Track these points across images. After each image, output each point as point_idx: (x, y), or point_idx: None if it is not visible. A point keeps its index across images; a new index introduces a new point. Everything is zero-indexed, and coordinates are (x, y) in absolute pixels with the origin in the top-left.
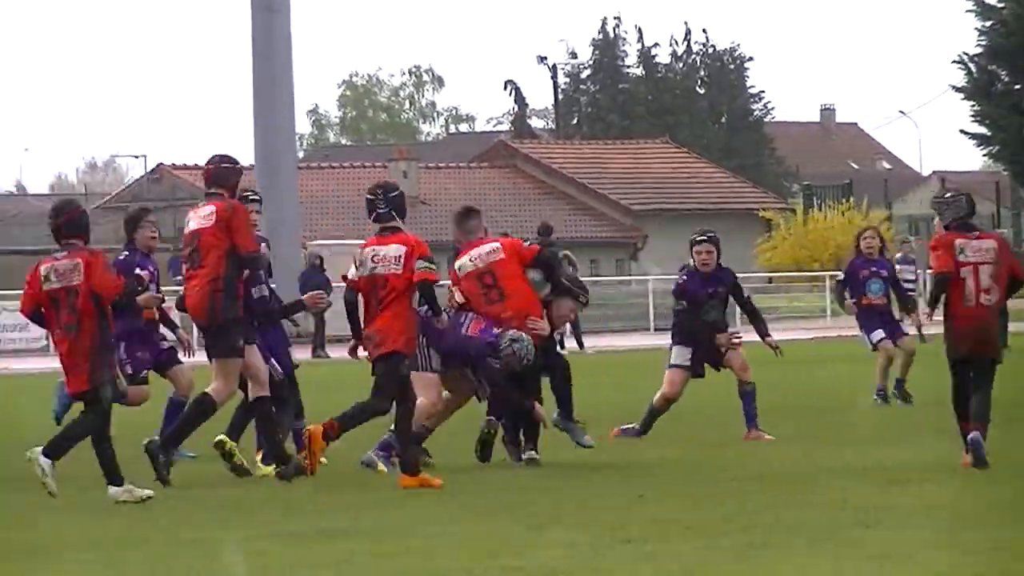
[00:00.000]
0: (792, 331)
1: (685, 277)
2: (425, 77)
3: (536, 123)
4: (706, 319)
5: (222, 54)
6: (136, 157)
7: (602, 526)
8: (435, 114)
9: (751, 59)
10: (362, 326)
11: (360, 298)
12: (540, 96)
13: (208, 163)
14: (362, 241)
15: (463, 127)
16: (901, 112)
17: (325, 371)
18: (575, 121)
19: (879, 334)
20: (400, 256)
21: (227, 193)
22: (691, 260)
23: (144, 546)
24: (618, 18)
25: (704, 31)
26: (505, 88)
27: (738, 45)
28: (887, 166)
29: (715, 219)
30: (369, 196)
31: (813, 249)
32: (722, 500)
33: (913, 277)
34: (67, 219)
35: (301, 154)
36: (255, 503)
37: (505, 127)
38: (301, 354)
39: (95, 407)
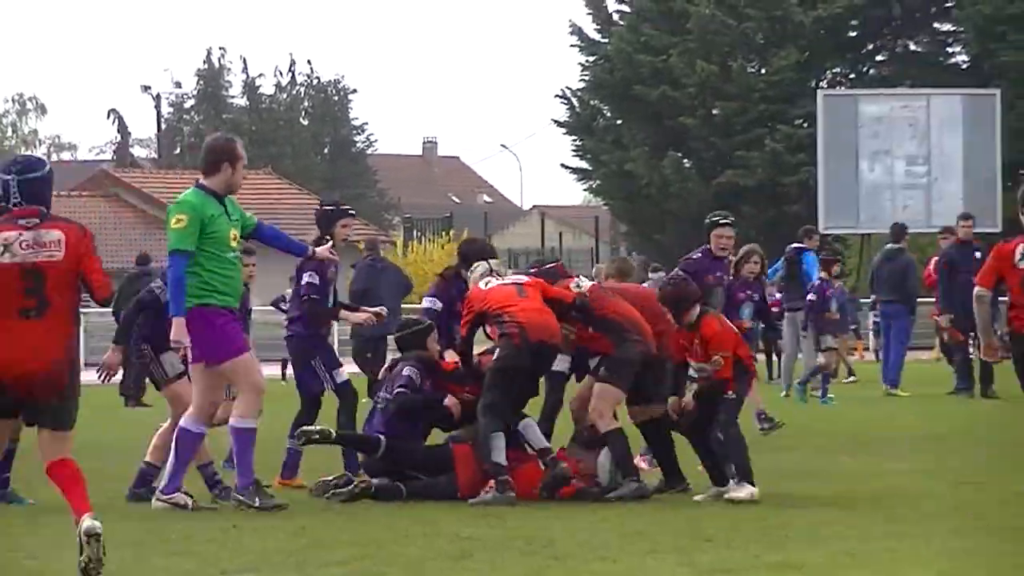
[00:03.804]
0: None
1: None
2: (28, 105)
3: (139, 152)
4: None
5: None
6: None
7: (200, 557)
8: (37, 142)
9: (355, 91)
10: None
11: None
12: (143, 125)
13: None
14: None
15: (65, 155)
16: (503, 146)
17: None
18: (178, 151)
19: None
20: None
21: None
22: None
23: None
24: (223, 48)
25: (309, 62)
26: (108, 117)
27: (342, 77)
28: (488, 199)
29: None
30: None
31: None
32: (323, 529)
33: None
34: None
35: None
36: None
37: (108, 156)
38: None
39: None
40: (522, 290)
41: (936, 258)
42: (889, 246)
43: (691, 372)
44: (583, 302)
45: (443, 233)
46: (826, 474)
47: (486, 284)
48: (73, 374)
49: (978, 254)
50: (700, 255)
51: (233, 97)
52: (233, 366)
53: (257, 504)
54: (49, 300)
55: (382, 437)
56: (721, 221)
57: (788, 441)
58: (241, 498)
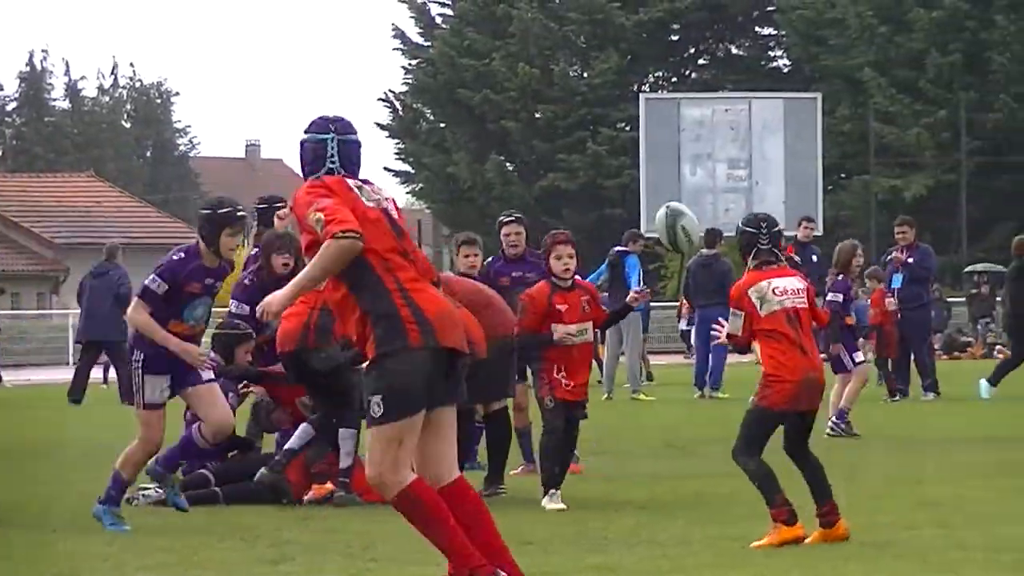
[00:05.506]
0: None
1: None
2: None
3: None
4: None
5: None
6: None
7: (11, 564)
8: None
9: (177, 94)
10: None
11: None
12: None
13: None
14: None
15: None
16: None
17: None
18: (0, 154)
19: (859, 355)
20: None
21: None
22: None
23: None
24: (45, 51)
25: (132, 65)
26: None
27: (165, 79)
28: None
29: (141, 253)
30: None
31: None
32: (139, 533)
33: None
34: None
35: None
36: None
37: None
38: None
39: None
40: None
41: None
42: (704, 251)
43: None
44: None
45: None
46: (642, 477)
47: None
48: None
49: (815, 257)
50: (497, 257)
51: (55, 100)
52: None
53: None
54: (411, 250)
55: (208, 474)
56: (506, 220)
57: (601, 445)
58: None
